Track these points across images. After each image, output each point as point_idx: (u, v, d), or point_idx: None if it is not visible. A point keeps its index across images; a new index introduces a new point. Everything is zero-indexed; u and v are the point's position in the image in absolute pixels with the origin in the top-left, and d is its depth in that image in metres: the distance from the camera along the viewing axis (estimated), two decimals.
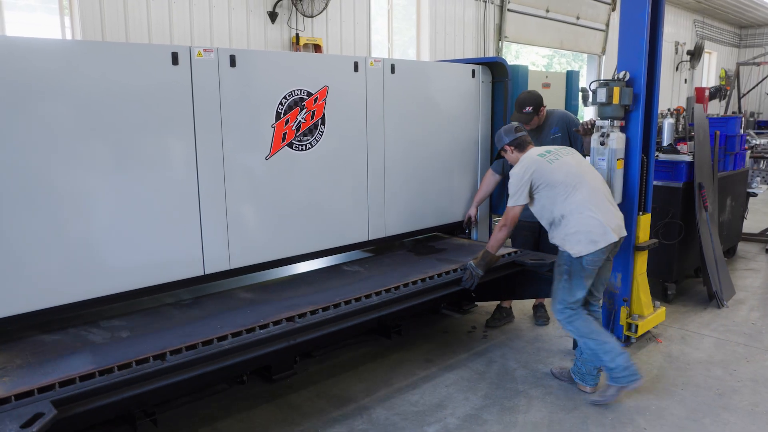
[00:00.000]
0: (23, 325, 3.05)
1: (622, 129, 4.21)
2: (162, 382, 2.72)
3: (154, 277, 3.33)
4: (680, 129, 8.12)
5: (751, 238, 7.62)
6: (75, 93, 2.92)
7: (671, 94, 17.32)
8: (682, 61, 17.72)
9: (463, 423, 3.42)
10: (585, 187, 3.55)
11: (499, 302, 4.94)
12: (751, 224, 7.84)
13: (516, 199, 3.63)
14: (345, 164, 4.15)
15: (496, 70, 5.13)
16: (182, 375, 2.79)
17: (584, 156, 4.47)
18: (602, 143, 4.14)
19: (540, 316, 4.90)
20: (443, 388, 3.83)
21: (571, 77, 8.64)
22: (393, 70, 4.34)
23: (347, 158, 4.16)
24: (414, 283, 3.84)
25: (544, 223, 3.72)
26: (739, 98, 13.64)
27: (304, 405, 3.62)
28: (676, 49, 17.37)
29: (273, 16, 7.40)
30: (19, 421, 2.20)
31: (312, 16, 7.77)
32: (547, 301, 4.98)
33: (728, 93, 14.96)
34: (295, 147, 3.81)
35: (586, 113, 11.51)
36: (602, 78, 8.39)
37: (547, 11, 11.74)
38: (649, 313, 4.49)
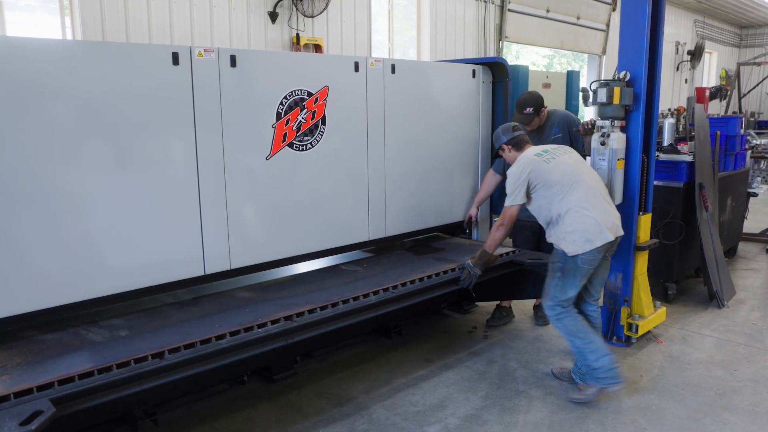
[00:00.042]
0: (23, 325, 3.06)
1: (623, 129, 4.21)
2: (160, 380, 2.73)
3: (155, 277, 3.33)
4: (681, 129, 8.11)
5: (751, 238, 7.61)
6: (75, 93, 2.92)
7: (672, 94, 17.32)
8: (682, 61, 17.71)
9: (463, 423, 3.42)
10: (582, 186, 3.55)
11: (498, 302, 4.95)
12: (751, 224, 7.83)
13: (513, 199, 3.64)
14: (345, 164, 4.15)
15: (496, 70, 5.13)
16: (181, 373, 2.80)
17: (585, 156, 4.47)
18: (603, 143, 4.14)
19: (540, 316, 4.90)
20: (444, 388, 3.83)
21: (571, 77, 8.64)
22: (393, 70, 4.34)
23: (348, 158, 4.16)
24: (411, 282, 3.85)
25: (541, 222, 3.73)
26: (740, 98, 13.63)
27: (304, 405, 3.62)
28: (677, 49, 17.37)
29: (273, 16, 7.40)
30: (18, 418, 2.21)
31: (312, 16, 7.77)
32: None
33: (729, 93, 14.95)
34: (296, 147, 3.81)
35: (587, 113, 11.51)
36: (603, 78, 8.38)
37: (548, 11, 11.74)
38: (650, 313, 4.49)
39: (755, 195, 7.18)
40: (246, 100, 3.55)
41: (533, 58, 15.50)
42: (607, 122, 4.14)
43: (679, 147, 5.59)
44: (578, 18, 12.58)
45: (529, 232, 4.69)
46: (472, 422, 3.42)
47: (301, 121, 3.80)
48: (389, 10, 9.49)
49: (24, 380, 2.52)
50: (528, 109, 4.47)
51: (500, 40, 10.86)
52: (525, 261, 4.28)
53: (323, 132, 3.94)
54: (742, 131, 6.88)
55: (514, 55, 13.56)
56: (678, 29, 17.49)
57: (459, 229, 5.16)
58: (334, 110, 3.97)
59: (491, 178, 4.81)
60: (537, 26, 11.66)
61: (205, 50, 3.34)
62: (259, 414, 3.53)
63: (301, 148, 3.84)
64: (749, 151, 7.29)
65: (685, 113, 8.90)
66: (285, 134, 3.74)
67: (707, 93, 15.34)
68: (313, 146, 3.90)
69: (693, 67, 18.06)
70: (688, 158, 5.32)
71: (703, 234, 5.26)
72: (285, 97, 3.70)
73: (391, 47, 9.58)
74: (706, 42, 18.30)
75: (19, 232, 2.83)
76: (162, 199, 3.28)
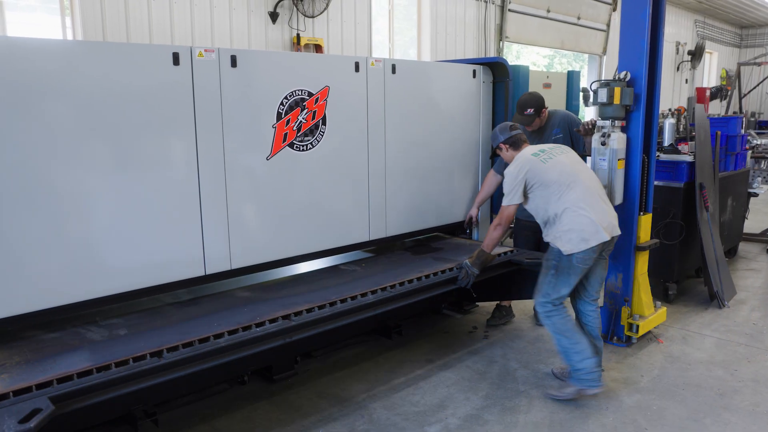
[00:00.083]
0: (23, 325, 3.06)
1: (623, 129, 4.22)
2: (159, 378, 2.75)
3: (155, 278, 3.33)
4: (681, 129, 8.11)
5: (752, 238, 7.61)
6: (76, 93, 2.92)
7: (672, 94, 17.32)
8: (683, 62, 17.71)
9: (464, 423, 3.42)
10: (579, 186, 3.55)
11: (498, 301, 4.95)
12: (752, 224, 7.83)
13: (510, 199, 3.65)
14: (346, 164, 4.15)
15: (497, 70, 5.13)
16: (179, 372, 2.81)
17: (586, 156, 4.47)
18: (603, 143, 4.14)
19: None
20: (444, 388, 3.83)
21: (572, 77, 8.64)
22: (394, 71, 4.34)
23: (348, 158, 4.16)
24: (409, 282, 3.87)
25: (539, 221, 3.74)
26: (740, 98, 13.62)
27: (304, 405, 3.62)
28: (677, 50, 17.37)
29: (274, 16, 7.40)
30: (17, 416, 2.23)
31: (313, 17, 7.77)
32: None
33: (729, 93, 14.93)
34: (296, 147, 3.82)
35: (587, 113, 11.50)
36: (603, 78, 8.38)
37: (548, 11, 11.74)
38: (650, 314, 4.49)
39: (756, 195, 7.18)
40: (246, 100, 3.55)
41: (534, 58, 15.50)
42: (608, 122, 4.14)
43: (679, 147, 5.59)
44: (579, 18, 12.58)
45: (529, 232, 4.69)
46: (472, 422, 3.42)
47: (301, 121, 3.81)
48: (390, 11, 9.49)
49: (23, 379, 2.54)
50: (529, 110, 4.47)
51: (501, 40, 10.86)
52: (523, 261, 4.29)
53: (324, 132, 3.94)
54: (743, 131, 6.88)
55: (515, 55, 13.57)
56: (678, 29, 17.49)
57: (459, 229, 5.16)
58: (334, 110, 3.97)
59: (492, 179, 4.81)
60: (537, 26, 11.66)
61: (205, 50, 3.34)
62: (259, 414, 3.53)
63: (301, 148, 3.84)
64: (750, 151, 7.29)
65: (685, 113, 8.90)
66: (285, 134, 3.74)
67: (708, 93, 15.34)
68: (313, 146, 3.90)
69: (693, 67, 18.06)
70: (689, 158, 5.32)
71: (703, 234, 5.26)
72: (285, 98, 3.70)
73: (391, 47, 9.58)
74: (706, 42, 18.30)
75: (19, 232, 2.84)
76: (162, 199, 3.28)
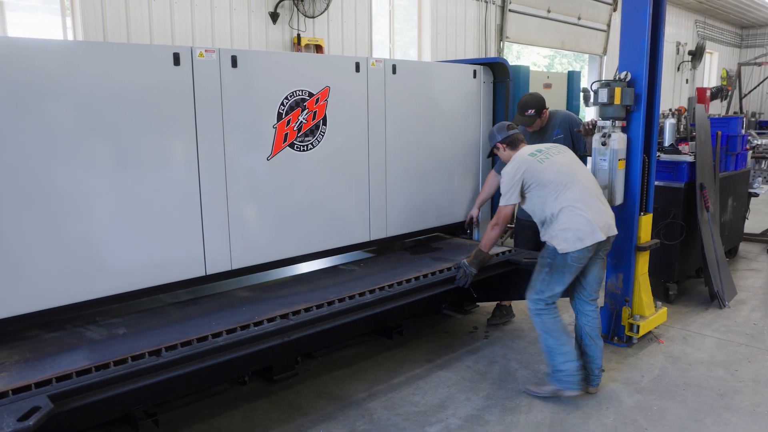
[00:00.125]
0: (23, 325, 3.06)
1: (624, 129, 4.21)
2: (158, 377, 2.76)
3: (156, 278, 3.33)
4: (682, 129, 8.11)
5: (752, 238, 7.61)
6: (76, 93, 2.92)
7: (673, 94, 17.31)
8: (683, 62, 17.71)
9: (464, 423, 3.42)
10: (576, 185, 3.56)
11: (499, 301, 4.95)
12: (752, 224, 7.82)
13: (507, 199, 3.66)
14: (346, 165, 4.15)
15: (497, 70, 5.13)
16: (177, 371, 2.82)
17: (587, 156, 4.48)
18: (604, 144, 4.14)
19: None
20: (445, 388, 3.83)
21: (572, 77, 8.63)
22: (394, 71, 4.34)
23: (349, 159, 4.16)
24: (407, 281, 3.89)
25: (536, 221, 3.75)
26: (741, 98, 13.62)
27: (305, 405, 3.62)
28: (678, 50, 17.36)
29: (274, 16, 7.40)
30: (16, 414, 2.25)
31: (313, 17, 7.77)
32: None
33: (730, 93, 14.93)
34: (297, 147, 3.82)
35: (588, 113, 11.50)
36: (604, 78, 8.38)
37: (549, 12, 11.74)
38: (651, 314, 4.49)
39: (756, 195, 7.18)
40: (247, 100, 3.55)
41: (534, 58, 15.50)
42: (608, 123, 4.14)
43: (680, 147, 5.59)
44: (579, 18, 12.58)
45: (530, 232, 4.68)
46: (473, 422, 3.42)
47: (302, 121, 3.81)
48: (390, 11, 9.49)
49: (22, 377, 2.56)
50: (530, 110, 4.47)
51: (501, 40, 10.86)
52: (521, 260, 4.30)
53: (324, 132, 3.94)
54: (743, 131, 6.88)
55: (515, 55, 13.57)
56: (679, 29, 17.49)
57: (460, 229, 5.16)
58: (335, 111, 3.97)
59: (493, 179, 4.81)
60: (538, 26, 11.66)
61: (206, 51, 3.34)
62: (259, 414, 3.53)
63: (302, 148, 3.84)
64: (750, 152, 7.29)
65: (686, 113, 8.91)
66: (286, 135, 3.74)
67: (708, 93, 15.35)
68: (314, 147, 3.90)
69: (694, 67, 18.05)
70: (689, 158, 5.32)
71: (704, 234, 5.26)
72: (286, 98, 3.70)
73: (391, 48, 9.58)
74: (706, 42, 18.30)
75: (20, 232, 2.84)
76: (163, 200, 3.28)
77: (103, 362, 2.68)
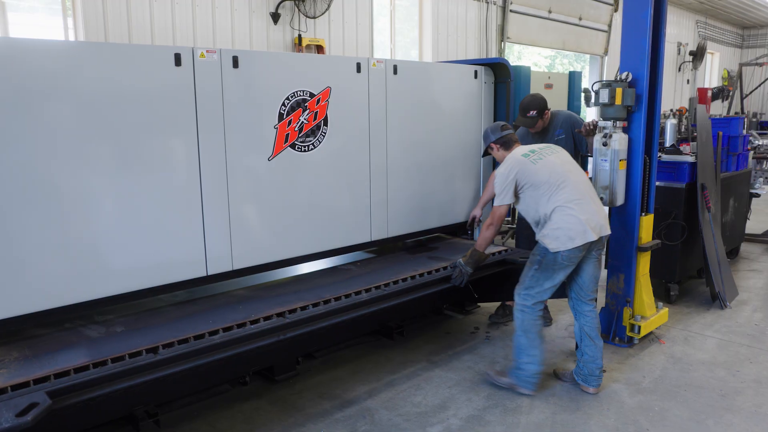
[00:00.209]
0: (24, 324, 3.07)
1: (625, 130, 4.21)
2: (155, 374, 2.79)
3: (158, 278, 3.33)
4: (683, 130, 8.12)
5: (754, 238, 7.60)
6: (77, 94, 2.92)
7: (674, 94, 17.31)
8: (684, 62, 17.70)
9: (465, 424, 3.41)
10: (568, 186, 3.58)
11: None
12: (754, 225, 7.82)
13: (501, 199, 3.69)
14: (347, 165, 4.16)
15: (498, 70, 5.13)
16: (174, 368, 2.86)
17: (588, 157, 4.47)
18: (605, 144, 4.14)
19: (542, 317, 4.88)
20: (446, 389, 3.83)
21: (573, 78, 8.63)
22: (395, 71, 4.34)
23: (350, 159, 4.16)
24: (404, 280, 3.94)
25: (530, 221, 3.77)
26: (742, 99, 13.63)
27: (306, 406, 3.62)
28: (679, 50, 17.36)
29: (275, 17, 7.41)
30: (15, 410, 2.28)
31: (314, 17, 7.78)
32: (549, 301, 4.98)
33: (731, 94, 14.94)
34: (298, 148, 3.82)
35: (589, 114, 11.50)
36: (605, 79, 8.39)
37: (550, 12, 11.74)
38: (652, 314, 4.49)
39: (757, 196, 7.17)
40: (248, 101, 3.55)
41: (535, 58, 15.51)
42: (609, 123, 4.14)
43: (681, 148, 5.58)
44: (580, 19, 12.58)
45: (531, 232, 4.65)
46: (474, 423, 3.42)
47: (303, 122, 3.81)
48: (391, 11, 9.50)
49: (21, 374, 2.59)
50: (531, 112, 4.47)
51: (502, 40, 10.86)
52: (517, 259, 4.34)
53: (325, 133, 3.94)
54: (745, 132, 6.87)
55: (516, 55, 13.58)
56: (680, 30, 17.48)
57: (461, 229, 5.16)
58: (336, 111, 3.97)
59: None
60: (539, 27, 11.66)
61: (207, 51, 3.35)
62: (260, 414, 3.53)
63: (303, 149, 3.84)
64: (751, 152, 7.29)
65: (687, 114, 8.91)
66: (287, 135, 3.74)
67: (709, 94, 15.35)
68: (315, 147, 3.90)
69: (695, 67, 18.05)
70: (690, 159, 5.32)
71: (705, 235, 5.26)
72: (287, 98, 3.71)
73: (392, 48, 9.59)
74: (708, 42, 18.29)
75: (21, 233, 2.84)
76: (164, 200, 3.28)
77: (101, 359, 2.72)
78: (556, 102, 7.97)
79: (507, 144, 3.87)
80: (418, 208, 4.70)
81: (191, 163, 3.35)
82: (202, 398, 3.68)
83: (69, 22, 6.14)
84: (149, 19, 6.35)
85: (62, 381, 2.57)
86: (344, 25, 8.35)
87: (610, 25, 13.38)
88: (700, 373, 4.03)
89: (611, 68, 13.43)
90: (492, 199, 4.97)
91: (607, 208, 4.13)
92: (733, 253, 6.83)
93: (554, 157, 3.70)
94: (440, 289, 4.03)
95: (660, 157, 5.27)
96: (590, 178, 4.37)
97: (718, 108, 17.68)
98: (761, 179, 8.01)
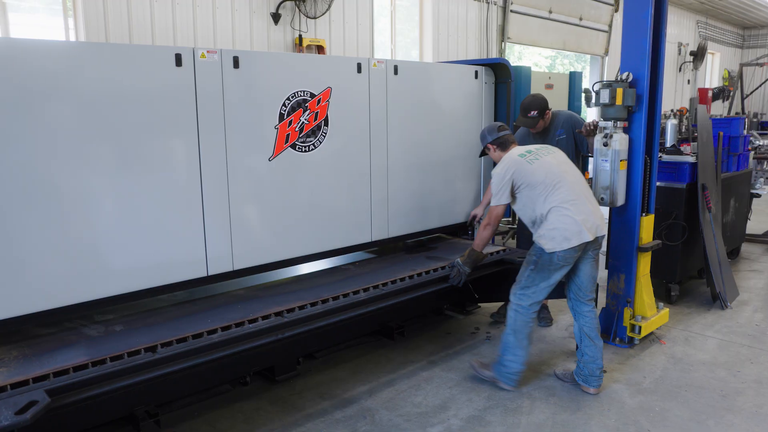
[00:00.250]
0: (25, 324, 3.08)
1: (625, 130, 4.21)
2: (153, 373, 2.81)
3: (158, 279, 3.33)
4: (683, 130, 8.11)
5: (754, 239, 7.60)
6: (78, 94, 2.93)
7: (674, 95, 17.31)
8: (685, 62, 17.69)
9: (466, 424, 3.41)
10: (564, 186, 3.59)
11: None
12: (754, 225, 7.82)
13: (498, 199, 3.70)
14: (348, 165, 4.16)
15: (499, 71, 5.13)
16: (173, 367, 2.88)
17: (589, 157, 4.47)
18: (605, 144, 4.14)
19: (543, 317, 4.89)
20: (446, 389, 3.83)
21: (574, 78, 8.64)
22: (396, 72, 4.34)
23: (350, 159, 4.16)
24: (402, 279, 3.96)
25: (526, 222, 3.78)
26: (743, 99, 13.62)
27: (307, 406, 3.62)
28: (679, 50, 17.35)
29: (276, 17, 7.42)
30: (14, 408, 2.30)
31: (315, 18, 7.78)
32: (549, 302, 4.98)
33: (731, 94, 14.93)
34: (299, 148, 3.82)
35: (590, 114, 11.50)
36: (605, 79, 8.38)
37: (550, 12, 11.74)
38: (653, 315, 4.49)
39: (758, 196, 7.17)
40: (249, 101, 3.55)
41: (536, 59, 15.50)
42: (610, 123, 4.14)
43: (681, 148, 5.58)
44: (581, 19, 12.58)
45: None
46: (474, 423, 3.42)
47: (303, 122, 3.81)
48: (391, 12, 9.50)
49: (21, 372, 2.61)
50: (532, 112, 4.47)
51: (503, 41, 10.86)
52: (515, 259, 4.35)
53: (326, 133, 3.94)
54: (745, 132, 6.87)
55: (517, 56, 13.57)
56: (680, 30, 17.48)
57: (462, 229, 5.16)
58: (336, 111, 3.97)
59: None
60: (539, 27, 11.66)
61: (208, 51, 3.35)
62: (261, 415, 3.53)
63: (303, 149, 3.84)
64: (752, 152, 7.28)
65: (687, 114, 8.90)
66: (288, 135, 3.74)
67: (710, 94, 15.33)
68: (315, 147, 3.90)
69: (695, 68, 18.04)
70: (691, 159, 5.31)
71: (706, 235, 5.25)
72: (288, 99, 3.71)
73: (393, 48, 9.59)
74: (708, 43, 18.29)
75: (22, 233, 2.84)
76: (165, 200, 3.28)
77: (100, 358, 2.74)
78: (557, 102, 7.97)
79: (504, 145, 3.87)
80: (418, 209, 4.70)
81: (192, 164, 3.36)
82: (203, 398, 3.68)
83: (70, 22, 6.15)
84: (150, 20, 6.36)
85: (61, 379, 2.58)
86: (345, 26, 8.35)
87: (610, 26, 13.37)
88: (700, 373, 4.03)
89: (612, 68, 13.43)
90: None
91: (606, 209, 4.14)
92: (733, 254, 6.82)
93: (550, 157, 3.71)
94: (438, 288, 4.05)
95: (661, 157, 5.27)
96: (591, 179, 4.38)
97: (718, 108, 17.67)
98: (762, 179, 8.00)
